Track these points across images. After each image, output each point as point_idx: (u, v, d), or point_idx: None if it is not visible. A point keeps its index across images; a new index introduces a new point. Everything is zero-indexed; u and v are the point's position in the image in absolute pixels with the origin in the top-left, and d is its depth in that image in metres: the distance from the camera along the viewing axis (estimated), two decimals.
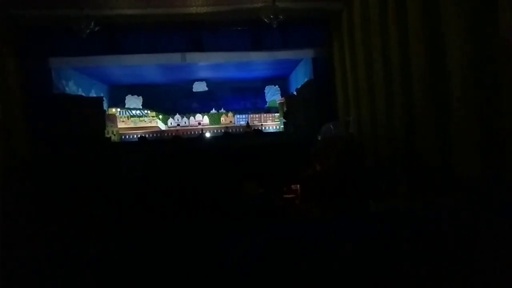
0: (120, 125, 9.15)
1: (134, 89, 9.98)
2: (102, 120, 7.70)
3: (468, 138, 3.13)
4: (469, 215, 1.78)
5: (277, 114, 9.71)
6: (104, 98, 8.44)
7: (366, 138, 5.41)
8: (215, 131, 9.40)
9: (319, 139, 5.22)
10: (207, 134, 9.01)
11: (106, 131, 7.84)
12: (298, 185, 4.54)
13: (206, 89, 10.11)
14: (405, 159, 4.20)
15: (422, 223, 1.70)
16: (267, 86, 10.44)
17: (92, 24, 5.32)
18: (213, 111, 10.02)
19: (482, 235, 1.49)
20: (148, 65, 7.91)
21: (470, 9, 3.00)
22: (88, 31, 5.36)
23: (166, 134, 9.28)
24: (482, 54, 2.95)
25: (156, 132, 9.32)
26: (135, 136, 8.90)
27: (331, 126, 5.33)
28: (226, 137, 8.15)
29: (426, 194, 3.04)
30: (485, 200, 2.15)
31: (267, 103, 10.38)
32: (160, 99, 9.93)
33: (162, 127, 9.69)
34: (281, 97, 9.89)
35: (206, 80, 9.97)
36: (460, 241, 1.54)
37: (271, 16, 5.37)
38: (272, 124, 9.70)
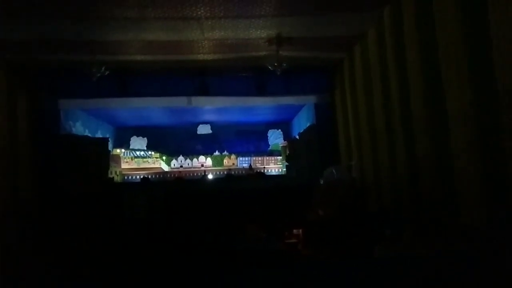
0: (124, 165, 9.19)
1: (140, 131, 10.14)
2: (106, 160, 7.76)
3: (472, 183, 3.13)
4: (476, 262, 1.76)
5: (279, 158, 9.77)
6: (109, 139, 8.56)
7: (369, 183, 5.41)
8: (218, 173, 9.41)
9: (321, 183, 5.22)
10: (210, 176, 9.02)
11: (109, 171, 7.87)
12: (300, 230, 4.48)
13: (210, 132, 10.26)
14: (409, 204, 4.17)
15: (428, 271, 1.68)
16: (270, 130, 10.59)
17: (103, 68, 5.55)
18: (216, 153, 10.10)
19: (488, 283, 1.48)
20: (155, 108, 8.11)
21: (470, 54, 3.11)
22: (98, 75, 5.58)
23: (168, 175, 9.30)
24: (482, 99, 3.03)
25: (159, 173, 9.34)
26: (138, 177, 8.92)
27: (333, 170, 5.36)
28: (229, 179, 8.15)
29: (431, 241, 3.00)
30: (492, 246, 2.13)
31: (270, 147, 10.47)
32: (165, 141, 10.05)
33: (165, 168, 9.73)
34: (284, 141, 10.00)
35: (211, 123, 10.15)
36: None
37: (275, 64, 5.59)
38: (274, 167, 9.72)
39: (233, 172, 9.07)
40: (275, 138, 10.53)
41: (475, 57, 3.07)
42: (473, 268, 1.68)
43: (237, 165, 9.78)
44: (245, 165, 9.69)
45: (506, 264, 1.71)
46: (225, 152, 10.11)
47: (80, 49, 5.33)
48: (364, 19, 4.92)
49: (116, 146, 9.57)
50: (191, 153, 10.00)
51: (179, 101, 7.24)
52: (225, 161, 9.90)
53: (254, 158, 9.86)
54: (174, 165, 9.82)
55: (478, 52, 3.02)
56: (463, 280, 1.57)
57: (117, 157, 8.99)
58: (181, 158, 9.86)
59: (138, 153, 9.66)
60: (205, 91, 6.84)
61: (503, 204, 2.82)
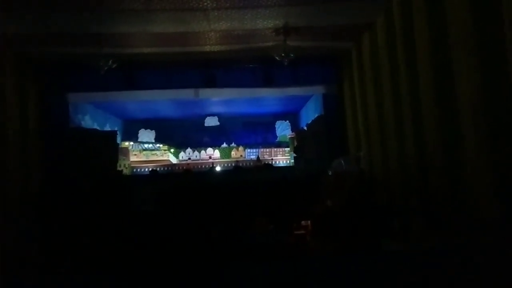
0: (132, 158, 9.27)
1: (148, 123, 10.19)
2: (115, 153, 7.82)
3: (482, 176, 3.08)
4: (485, 256, 1.74)
5: (287, 149, 9.75)
6: (118, 132, 8.63)
7: (377, 174, 5.36)
8: (226, 165, 9.44)
9: (329, 174, 5.20)
10: (218, 168, 9.05)
11: (118, 164, 7.94)
12: (309, 221, 4.47)
13: (218, 123, 10.27)
14: (417, 197, 4.13)
15: (436, 264, 1.66)
16: (277, 121, 10.56)
17: (111, 62, 5.56)
18: (224, 145, 10.12)
19: (497, 276, 1.45)
20: (162, 100, 8.13)
21: (480, 45, 3.04)
22: (106, 68, 5.59)
23: (177, 168, 9.35)
24: (492, 90, 2.96)
25: (167, 165, 9.40)
26: (146, 169, 8.99)
27: (342, 162, 5.32)
28: (237, 171, 8.17)
29: (440, 234, 2.97)
30: (501, 240, 2.10)
31: (278, 138, 10.45)
32: (173, 133, 10.09)
33: (174, 160, 9.78)
34: (292, 132, 9.97)
35: (218, 115, 10.16)
36: (477, 283, 1.50)
37: (282, 54, 5.53)
38: (282, 158, 9.71)
39: (241, 164, 9.08)
40: (283, 130, 10.49)
41: (487, 46, 3.00)
42: (482, 261, 1.66)
43: (245, 157, 9.79)
44: (253, 157, 9.70)
45: None
46: (233, 144, 10.12)
47: (87, 42, 5.34)
48: (372, 8, 4.83)
49: (124, 139, 9.64)
50: (199, 145, 10.04)
51: (187, 93, 7.25)
52: (233, 153, 9.92)
53: (262, 149, 9.85)
54: (182, 157, 9.87)
55: (490, 42, 2.95)
56: (471, 273, 1.56)
57: (126, 150, 9.06)
58: (189, 150, 9.90)
59: (146, 145, 9.72)
60: (212, 83, 6.83)
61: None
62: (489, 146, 3.01)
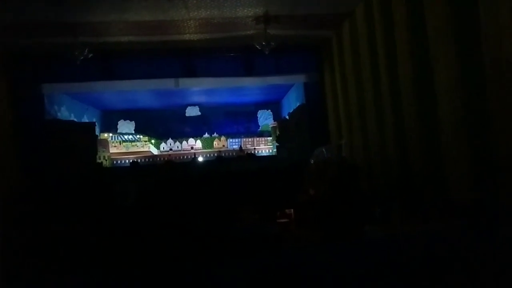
0: (112, 150, 9.10)
1: (127, 114, 9.99)
2: (94, 145, 7.66)
3: (459, 159, 3.16)
4: (466, 240, 1.79)
5: (269, 138, 9.77)
6: (96, 123, 8.42)
7: (359, 162, 5.44)
8: (208, 155, 9.39)
9: (311, 162, 5.22)
10: (200, 158, 8.98)
11: (97, 156, 7.78)
12: (292, 210, 4.51)
13: (199, 113, 10.17)
14: (398, 183, 4.22)
15: (419, 249, 1.69)
16: (259, 111, 10.54)
17: (86, 51, 5.39)
18: (206, 135, 10.04)
19: (479, 259, 1.49)
20: (142, 90, 7.96)
21: (457, 35, 3.10)
22: (82, 58, 5.42)
23: (158, 159, 9.24)
24: (469, 76, 3.03)
25: (148, 157, 9.27)
26: (127, 161, 8.84)
27: (324, 150, 5.35)
28: (219, 161, 8.13)
29: (420, 219, 3.05)
30: (480, 224, 2.16)
31: (260, 127, 10.45)
32: (153, 124, 9.94)
33: (155, 151, 9.66)
34: (274, 121, 9.97)
35: (199, 105, 10.05)
36: (457, 266, 1.54)
37: (263, 43, 5.49)
38: (265, 148, 9.73)
39: (223, 154, 9.05)
40: (265, 119, 10.49)
41: (464, 35, 3.05)
42: (461, 245, 1.70)
43: (227, 147, 9.75)
44: (235, 147, 9.67)
45: (494, 239, 1.73)
46: (215, 134, 10.06)
47: (62, 31, 5.16)
48: None
49: (103, 130, 9.43)
50: (180, 136, 9.93)
51: (166, 83, 7.12)
52: (215, 143, 9.86)
53: (244, 139, 9.83)
54: (163, 148, 9.75)
55: (467, 30, 3.00)
56: (450, 257, 1.59)
57: (105, 141, 8.87)
58: (170, 141, 9.78)
59: (126, 137, 9.55)
60: (193, 72, 6.73)
61: (490, 180, 2.86)
62: (466, 134, 3.09)
